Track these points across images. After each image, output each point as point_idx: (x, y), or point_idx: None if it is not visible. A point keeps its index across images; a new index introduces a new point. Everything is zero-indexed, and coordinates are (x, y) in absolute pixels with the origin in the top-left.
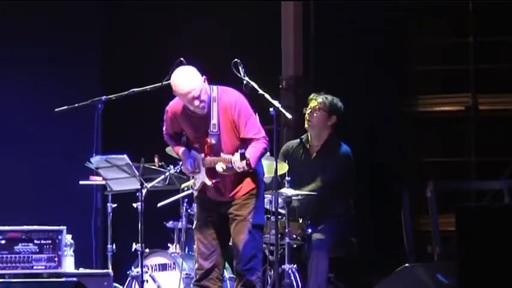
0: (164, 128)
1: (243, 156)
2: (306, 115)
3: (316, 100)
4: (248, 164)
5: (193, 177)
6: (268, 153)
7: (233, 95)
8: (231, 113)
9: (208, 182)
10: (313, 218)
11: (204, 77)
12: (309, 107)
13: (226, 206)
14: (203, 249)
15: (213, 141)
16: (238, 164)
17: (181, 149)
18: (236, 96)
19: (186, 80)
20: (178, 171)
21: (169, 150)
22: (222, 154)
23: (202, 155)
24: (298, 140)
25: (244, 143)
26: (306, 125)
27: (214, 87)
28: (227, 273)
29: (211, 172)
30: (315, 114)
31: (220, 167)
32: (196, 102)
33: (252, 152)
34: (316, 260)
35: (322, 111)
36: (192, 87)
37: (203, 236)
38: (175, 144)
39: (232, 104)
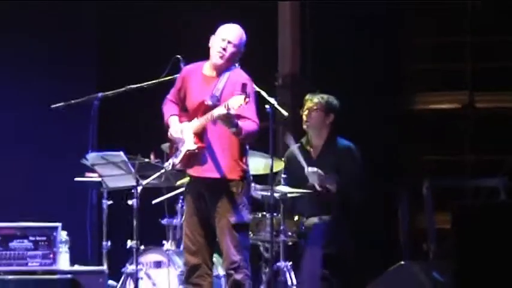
0: (170, 93)
1: (244, 88)
2: (304, 116)
3: (312, 100)
4: (246, 98)
5: (175, 156)
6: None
7: (245, 76)
8: (238, 88)
9: (193, 146)
10: (311, 215)
11: (243, 50)
12: (306, 107)
13: (212, 196)
14: (189, 244)
15: (210, 103)
16: (236, 98)
17: (172, 117)
18: (247, 78)
19: (238, 28)
20: (172, 163)
21: (165, 147)
22: None
23: (194, 119)
24: (298, 144)
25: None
26: (305, 126)
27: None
28: (222, 271)
29: (198, 137)
30: (312, 115)
31: (218, 109)
32: (225, 46)
33: (245, 124)
34: (309, 256)
35: (319, 111)
36: (237, 34)
37: (190, 231)
38: (169, 109)
39: (239, 79)
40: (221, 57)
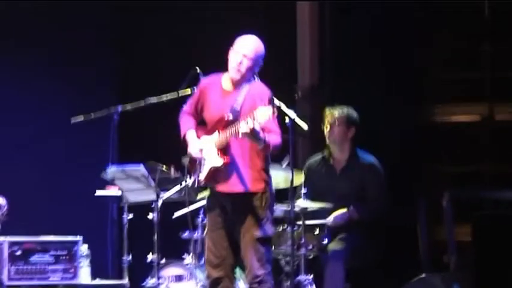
0: (186, 105)
1: (271, 100)
2: (325, 131)
3: (332, 114)
4: (274, 110)
5: (199, 172)
6: (284, 165)
7: (265, 88)
8: (258, 102)
9: (220, 162)
10: (331, 228)
11: (261, 64)
12: (326, 122)
13: (236, 210)
14: (212, 258)
15: (231, 117)
16: (263, 111)
17: (189, 131)
18: (267, 90)
19: (254, 41)
20: (196, 181)
21: (185, 160)
22: None
23: (215, 133)
24: (320, 156)
25: None
26: (327, 141)
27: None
28: (244, 285)
29: (222, 152)
30: (334, 129)
31: (244, 124)
32: (241, 59)
33: (271, 137)
34: (332, 270)
35: (341, 125)
36: (253, 48)
37: (213, 244)
38: (185, 123)
39: (261, 94)
40: (238, 71)
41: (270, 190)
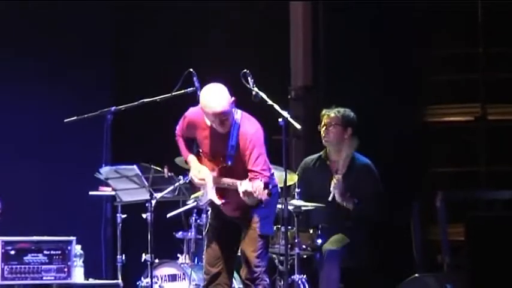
0: (178, 129)
1: (266, 186)
2: (322, 132)
3: (329, 116)
4: (269, 194)
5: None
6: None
7: (254, 126)
8: (247, 142)
9: (218, 202)
10: (327, 228)
11: (233, 98)
12: (323, 123)
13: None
14: (211, 255)
15: (228, 163)
16: (260, 191)
17: (190, 156)
18: (256, 127)
19: (220, 100)
20: (187, 181)
21: (178, 160)
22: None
23: (214, 173)
24: (317, 155)
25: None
26: (324, 142)
27: (239, 111)
28: (236, 283)
29: (221, 191)
30: (330, 130)
31: (244, 188)
32: (223, 122)
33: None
34: (327, 271)
35: (337, 126)
36: (224, 108)
37: (213, 242)
38: (184, 148)
39: (249, 134)
40: (223, 128)
41: (277, 192)
